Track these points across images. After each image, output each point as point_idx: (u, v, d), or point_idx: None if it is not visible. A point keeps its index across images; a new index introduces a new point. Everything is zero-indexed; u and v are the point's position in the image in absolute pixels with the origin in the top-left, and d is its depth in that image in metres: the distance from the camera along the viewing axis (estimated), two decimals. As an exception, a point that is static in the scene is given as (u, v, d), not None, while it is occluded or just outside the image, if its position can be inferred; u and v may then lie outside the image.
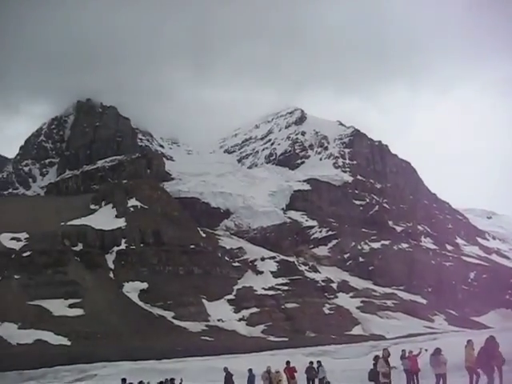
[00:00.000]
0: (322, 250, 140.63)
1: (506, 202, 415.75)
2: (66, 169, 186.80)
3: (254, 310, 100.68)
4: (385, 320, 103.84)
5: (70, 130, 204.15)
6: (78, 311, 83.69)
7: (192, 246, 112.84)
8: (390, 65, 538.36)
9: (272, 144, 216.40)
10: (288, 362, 30.36)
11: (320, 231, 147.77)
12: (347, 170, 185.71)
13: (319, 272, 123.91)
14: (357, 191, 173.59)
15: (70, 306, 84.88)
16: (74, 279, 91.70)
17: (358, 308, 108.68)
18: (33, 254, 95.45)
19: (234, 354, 62.81)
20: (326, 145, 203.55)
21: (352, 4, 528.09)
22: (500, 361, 20.41)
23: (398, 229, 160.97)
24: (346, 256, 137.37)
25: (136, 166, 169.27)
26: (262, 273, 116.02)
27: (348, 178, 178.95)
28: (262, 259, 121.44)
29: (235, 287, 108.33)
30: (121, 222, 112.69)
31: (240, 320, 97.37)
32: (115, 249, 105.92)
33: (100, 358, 61.13)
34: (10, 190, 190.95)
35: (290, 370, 29.81)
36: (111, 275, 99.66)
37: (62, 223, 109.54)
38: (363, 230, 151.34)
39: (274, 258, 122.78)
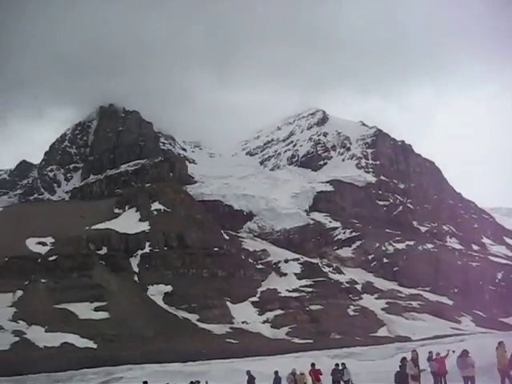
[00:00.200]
0: (345, 252, 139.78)
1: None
2: (89, 173, 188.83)
3: (279, 312, 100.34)
4: (410, 321, 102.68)
5: (93, 135, 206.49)
6: (104, 314, 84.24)
7: (216, 249, 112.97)
8: (413, 64, 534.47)
9: (294, 145, 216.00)
10: (313, 365, 30.17)
11: (344, 232, 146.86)
12: (370, 170, 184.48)
13: (343, 273, 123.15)
14: (380, 192, 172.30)
15: (96, 309, 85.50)
16: (99, 283, 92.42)
17: (383, 309, 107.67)
18: (58, 258, 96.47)
19: (258, 357, 62.68)
20: (348, 145, 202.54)
21: (374, 3, 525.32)
22: None
23: (423, 229, 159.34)
24: (370, 257, 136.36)
25: (159, 169, 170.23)
26: (285, 275, 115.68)
27: (371, 178, 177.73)
28: (286, 261, 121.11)
29: (259, 289, 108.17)
30: (144, 226, 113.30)
31: (264, 322, 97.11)
32: (139, 252, 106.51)
33: (125, 361, 61.48)
34: (36, 196, 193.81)
35: (315, 373, 29.62)
36: (136, 278, 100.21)
37: (87, 227, 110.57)
38: (387, 230, 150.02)
39: (297, 259, 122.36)
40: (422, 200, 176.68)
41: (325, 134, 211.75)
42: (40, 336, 73.19)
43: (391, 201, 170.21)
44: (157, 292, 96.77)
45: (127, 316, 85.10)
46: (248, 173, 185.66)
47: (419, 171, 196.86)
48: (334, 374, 30.28)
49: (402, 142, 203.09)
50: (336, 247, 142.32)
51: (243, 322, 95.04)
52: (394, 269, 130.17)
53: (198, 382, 33.54)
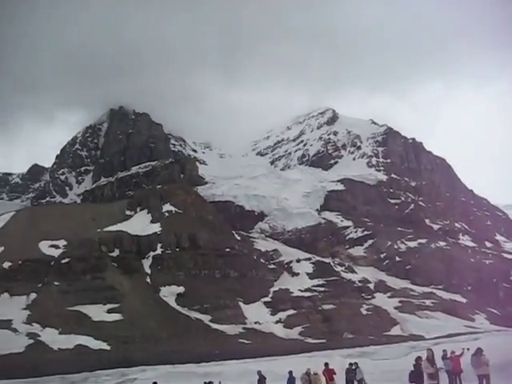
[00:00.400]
0: (357, 251, 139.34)
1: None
2: (101, 176, 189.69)
3: (291, 311, 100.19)
4: (424, 320, 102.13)
5: (104, 138, 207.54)
6: (117, 316, 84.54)
7: (227, 250, 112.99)
8: (422, 61, 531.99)
9: (304, 145, 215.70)
10: (326, 364, 30.10)
11: (355, 231, 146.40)
12: (381, 168, 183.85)
13: (356, 272, 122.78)
14: (391, 190, 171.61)
15: (109, 311, 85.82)
16: (111, 285, 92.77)
17: (396, 308, 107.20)
18: (71, 260, 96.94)
19: (271, 357, 62.67)
20: (358, 144, 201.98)
21: (382, 1, 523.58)
22: None
23: (435, 227, 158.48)
24: (382, 256, 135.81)
25: (170, 171, 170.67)
26: (297, 274, 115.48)
27: (382, 176, 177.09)
28: (298, 261, 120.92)
29: (271, 289, 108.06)
30: (156, 227, 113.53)
31: (277, 322, 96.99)
32: (151, 254, 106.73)
33: (139, 362, 61.74)
34: (48, 199, 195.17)
35: (329, 372, 29.54)
36: (148, 280, 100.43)
37: (99, 230, 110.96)
38: (399, 228, 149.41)
39: (309, 259, 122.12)
40: (434, 197, 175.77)
41: (335, 133, 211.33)
42: (54, 338, 73.64)
43: (403, 199, 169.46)
44: (169, 293, 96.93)
45: (140, 317, 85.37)
46: (259, 173, 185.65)
47: (430, 169, 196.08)
48: (347, 374, 30.24)
49: (413, 139, 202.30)
50: (348, 246, 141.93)
51: (256, 323, 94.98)
52: (407, 267, 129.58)
53: (212, 382, 33.54)
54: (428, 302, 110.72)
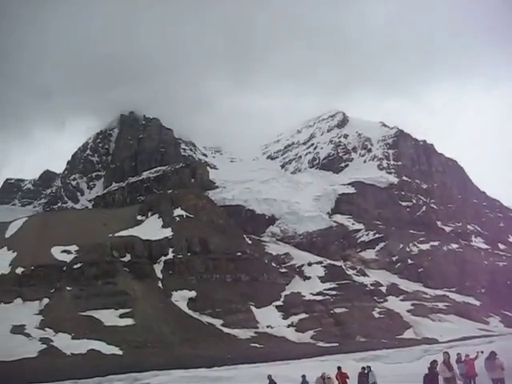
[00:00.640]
0: (369, 254, 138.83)
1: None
2: (112, 181, 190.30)
3: (303, 315, 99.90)
4: (437, 323, 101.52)
5: (114, 143, 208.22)
6: (129, 321, 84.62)
7: (239, 254, 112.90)
8: (433, 62, 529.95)
9: (315, 148, 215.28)
10: (339, 368, 29.98)
11: (367, 234, 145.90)
12: (392, 171, 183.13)
13: (367, 276, 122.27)
14: (403, 192, 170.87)
15: (121, 315, 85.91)
16: (123, 289, 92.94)
17: (408, 311, 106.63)
18: (83, 265, 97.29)
19: (284, 361, 62.49)
20: (369, 147, 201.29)
21: (393, 2, 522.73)
22: None
23: (447, 229, 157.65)
24: (394, 259, 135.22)
25: (180, 175, 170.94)
26: (309, 278, 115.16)
27: (393, 179, 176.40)
28: (309, 264, 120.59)
29: (283, 293, 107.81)
30: (167, 232, 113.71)
31: (289, 326, 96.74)
32: (163, 258, 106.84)
33: (151, 367, 61.70)
34: (59, 204, 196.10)
35: (342, 376, 29.44)
36: (159, 285, 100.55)
37: (110, 235, 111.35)
38: (411, 231, 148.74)
39: (321, 262, 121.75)
40: (446, 200, 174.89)
41: (345, 136, 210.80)
42: (67, 343, 73.82)
43: (414, 201, 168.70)
44: (181, 298, 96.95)
45: (152, 322, 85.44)
46: (269, 177, 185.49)
47: (442, 171, 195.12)
48: (360, 378, 30.08)
49: (424, 141, 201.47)
50: (359, 249, 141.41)
51: (268, 327, 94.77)
52: (419, 270, 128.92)
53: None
54: (441, 305, 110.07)
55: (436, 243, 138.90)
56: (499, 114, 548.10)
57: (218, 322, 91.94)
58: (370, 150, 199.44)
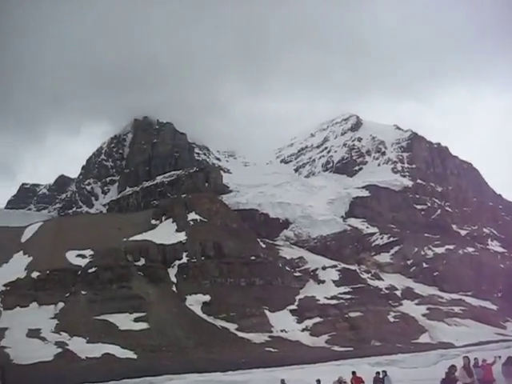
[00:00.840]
0: (384, 257, 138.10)
1: None
2: (126, 186, 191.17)
3: (317, 319, 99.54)
4: (453, 327, 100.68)
5: (128, 148, 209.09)
6: (143, 325, 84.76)
7: (252, 258, 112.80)
8: (447, 65, 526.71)
9: (328, 152, 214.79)
10: (354, 373, 29.72)
11: (381, 238, 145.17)
12: (406, 174, 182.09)
13: (382, 279, 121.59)
14: (417, 195, 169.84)
15: (135, 319, 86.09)
16: (137, 294, 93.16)
17: (424, 315, 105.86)
18: (98, 270, 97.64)
19: (298, 365, 62.27)
20: (383, 150, 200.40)
21: (406, 5, 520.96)
22: None
23: (463, 232, 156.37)
24: (409, 262, 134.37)
25: (194, 179, 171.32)
26: (323, 282, 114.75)
27: (408, 182, 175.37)
28: (324, 268, 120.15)
29: (297, 297, 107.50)
30: (181, 236, 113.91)
31: (303, 330, 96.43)
32: (177, 262, 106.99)
33: (166, 371, 61.80)
34: (74, 209, 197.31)
35: (357, 381, 29.18)
36: (174, 289, 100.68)
37: (125, 239, 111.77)
38: (426, 235, 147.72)
39: (335, 266, 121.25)
40: (461, 203, 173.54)
41: (359, 139, 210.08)
42: (82, 347, 74.09)
43: (429, 204, 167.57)
44: (195, 302, 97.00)
45: (166, 326, 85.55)
46: (283, 180, 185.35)
47: (457, 173, 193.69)
48: (374, 382, 29.81)
49: (438, 144, 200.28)
50: (374, 253, 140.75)
51: (282, 331, 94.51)
52: (434, 274, 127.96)
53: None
54: (457, 309, 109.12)
55: (451, 247, 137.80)
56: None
57: (232, 326, 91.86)
58: (383, 153, 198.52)
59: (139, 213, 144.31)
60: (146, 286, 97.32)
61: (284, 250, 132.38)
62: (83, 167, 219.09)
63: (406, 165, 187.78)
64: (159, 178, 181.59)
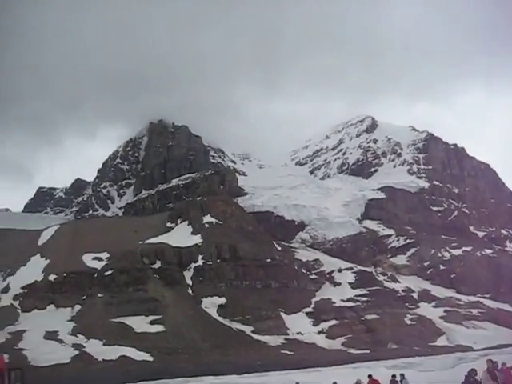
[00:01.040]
0: (400, 259, 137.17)
1: None
2: (141, 189, 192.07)
3: (333, 322, 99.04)
4: (471, 330, 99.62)
5: (144, 151, 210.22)
6: (159, 327, 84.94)
7: (268, 260, 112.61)
8: (463, 65, 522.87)
9: (344, 154, 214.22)
10: (370, 376, 29.48)
11: (397, 240, 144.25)
12: (423, 175, 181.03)
13: (399, 282, 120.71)
14: (434, 197, 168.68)
15: (151, 322, 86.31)
16: (153, 296, 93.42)
17: (441, 318, 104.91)
18: (114, 272, 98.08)
19: (314, 368, 61.98)
20: (399, 151, 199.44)
21: (421, 6, 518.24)
22: None
23: (480, 234, 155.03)
24: (425, 264, 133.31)
25: (209, 182, 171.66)
26: (339, 284, 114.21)
27: (424, 183, 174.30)
28: (339, 270, 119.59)
29: (313, 300, 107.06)
30: (197, 239, 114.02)
31: (319, 333, 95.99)
32: (192, 265, 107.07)
33: (182, 374, 61.79)
34: (91, 212, 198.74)
35: (374, 384, 28.93)
36: (189, 291, 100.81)
37: (141, 242, 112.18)
38: (443, 236, 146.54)
39: (351, 268, 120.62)
40: (479, 204, 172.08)
41: (374, 141, 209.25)
42: (98, 349, 74.41)
43: (446, 206, 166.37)
44: (211, 304, 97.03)
45: (182, 329, 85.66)
46: (298, 183, 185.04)
47: (474, 174, 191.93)
48: (392, 386, 29.56)
49: (455, 145, 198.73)
50: (390, 255, 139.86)
51: (298, 333, 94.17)
52: (452, 276, 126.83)
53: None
54: (475, 312, 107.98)
55: (468, 248, 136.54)
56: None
57: (248, 329, 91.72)
58: (399, 155, 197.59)
59: (155, 216, 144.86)
60: (162, 288, 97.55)
61: (300, 253, 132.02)
62: (99, 170, 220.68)
63: (422, 166, 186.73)
64: (175, 181, 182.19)
